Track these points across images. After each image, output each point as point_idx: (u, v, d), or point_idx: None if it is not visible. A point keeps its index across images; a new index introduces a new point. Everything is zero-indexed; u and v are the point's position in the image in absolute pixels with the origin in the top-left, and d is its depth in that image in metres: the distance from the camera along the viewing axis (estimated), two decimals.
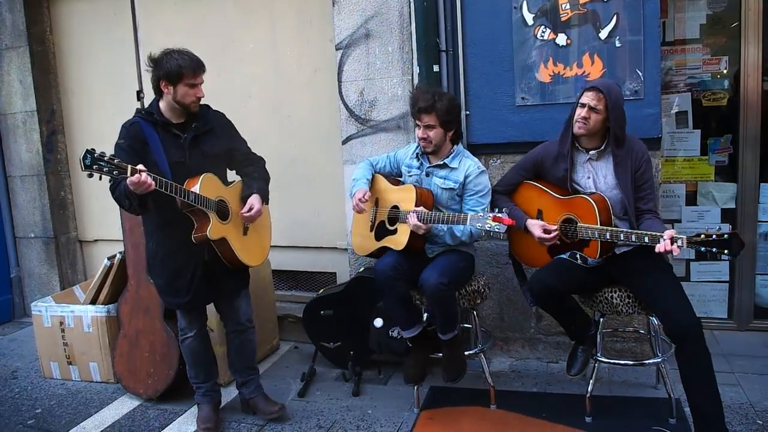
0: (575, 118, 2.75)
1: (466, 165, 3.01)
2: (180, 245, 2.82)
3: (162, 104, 2.79)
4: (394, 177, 3.27)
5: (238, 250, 2.90)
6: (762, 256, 3.79)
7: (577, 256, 2.82)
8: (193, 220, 2.77)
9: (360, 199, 3.06)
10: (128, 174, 2.45)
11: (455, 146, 3.07)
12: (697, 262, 3.88)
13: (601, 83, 2.77)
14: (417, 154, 3.12)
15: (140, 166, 2.49)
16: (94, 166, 2.40)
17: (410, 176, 3.14)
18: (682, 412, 2.88)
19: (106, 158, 2.42)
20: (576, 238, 2.78)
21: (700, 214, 3.87)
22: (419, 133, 2.98)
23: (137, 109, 2.84)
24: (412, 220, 2.85)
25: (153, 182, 2.50)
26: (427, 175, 3.08)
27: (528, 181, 3.04)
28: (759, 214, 3.73)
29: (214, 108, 2.98)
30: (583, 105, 2.71)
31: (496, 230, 2.67)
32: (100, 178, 2.46)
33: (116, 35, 4.58)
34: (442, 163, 3.03)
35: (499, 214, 2.68)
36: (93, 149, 2.41)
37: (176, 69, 2.67)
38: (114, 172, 2.44)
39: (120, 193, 2.62)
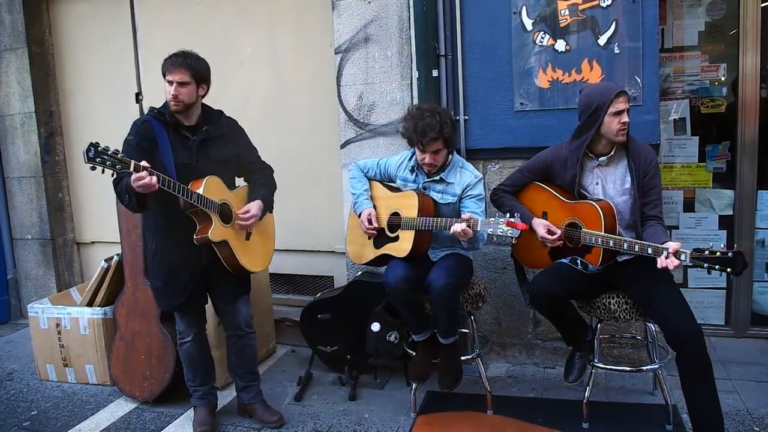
0: (617, 128, 2.65)
1: (464, 178, 3.00)
2: (180, 246, 2.82)
3: None
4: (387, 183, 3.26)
5: (240, 254, 2.88)
6: (759, 263, 3.79)
7: (578, 261, 2.81)
8: (195, 221, 2.77)
9: (368, 228, 3.08)
10: (131, 169, 2.44)
11: (450, 157, 3.05)
12: (694, 269, 3.88)
13: (620, 87, 2.75)
14: (412, 167, 3.09)
15: (144, 163, 2.48)
16: (97, 159, 2.38)
17: (406, 189, 3.11)
18: (679, 418, 2.89)
19: (110, 152, 2.41)
20: (579, 244, 2.76)
21: (697, 220, 3.87)
22: (427, 159, 2.91)
23: (150, 107, 2.84)
24: (461, 226, 2.73)
25: (156, 182, 2.49)
26: (424, 188, 3.06)
27: (535, 183, 3.00)
28: (756, 221, 3.74)
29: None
30: (621, 111, 2.64)
31: (509, 235, 2.63)
32: (103, 171, 2.43)
33: (115, 37, 4.58)
34: (438, 178, 3.01)
35: (512, 219, 2.63)
36: (97, 143, 2.40)
37: (162, 67, 2.75)
38: (117, 166, 2.43)
39: (122, 188, 2.60)
